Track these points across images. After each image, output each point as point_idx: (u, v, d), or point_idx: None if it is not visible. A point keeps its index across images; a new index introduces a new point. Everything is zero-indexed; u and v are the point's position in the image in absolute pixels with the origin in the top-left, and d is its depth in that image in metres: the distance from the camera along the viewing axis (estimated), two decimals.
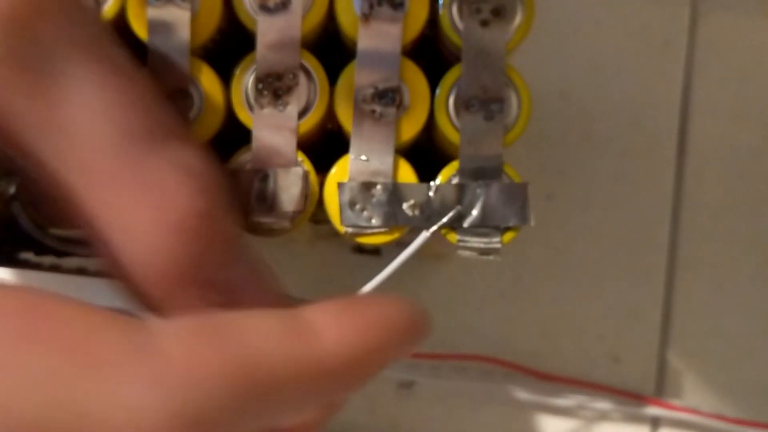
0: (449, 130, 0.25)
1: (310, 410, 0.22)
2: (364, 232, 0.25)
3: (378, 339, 0.21)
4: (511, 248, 0.25)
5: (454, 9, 0.25)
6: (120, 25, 0.26)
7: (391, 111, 0.25)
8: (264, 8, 0.25)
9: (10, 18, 0.19)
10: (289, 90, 0.25)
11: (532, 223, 0.25)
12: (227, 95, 0.26)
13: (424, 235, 0.25)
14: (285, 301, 0.23)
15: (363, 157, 0.25)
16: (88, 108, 0.20)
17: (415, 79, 0.25)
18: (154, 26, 0.25)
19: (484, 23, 0.25)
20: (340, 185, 0.25)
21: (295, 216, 0.25)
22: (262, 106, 0.25)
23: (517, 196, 0.25)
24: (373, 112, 0.25)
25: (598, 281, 0.39)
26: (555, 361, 0.38)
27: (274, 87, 0.25)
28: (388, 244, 0.26)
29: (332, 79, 0.26)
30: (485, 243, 0.25)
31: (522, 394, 0.38)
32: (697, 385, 0.38)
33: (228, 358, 0.18)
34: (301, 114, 0.25)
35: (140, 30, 0.25)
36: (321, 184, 0.26)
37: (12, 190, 0.25)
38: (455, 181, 0.25)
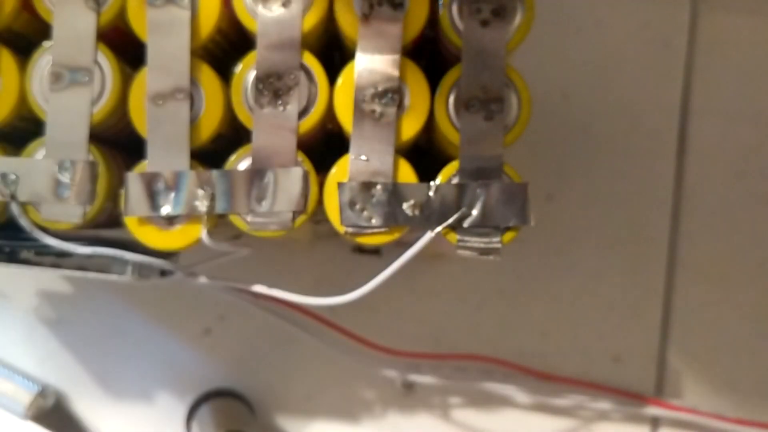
0: (449, 130, 0.25)
1: None
2: (364, 232, 0.25)
3: None
4: (511, 248, 0.25)
5: (454, 9, 0.25)
6: (120, 25, 0.26)
7: (392, 111, 0.25)
8: (264, 8, 0.25)
9: None
10: (289, 90, 0.25)
11: (532, 223, 0.25)
12: (227, 95, 0.26)
13: (429, 235, 0.25)
14: None
15: (363, 157, 0.25)
16: None
17: (415, 79, 0.25)
18: (154, 26, 0.25)
19: (484, 23, 0.25)
20: (340, 185, 0.25)
21: (295, 216, 0.25)
22: (262, 106, 0.25)
23: (517, 196, 0.25)
24: (373, 112, 0.25)
25: (598, 281, 0.39)
26: (555, 361, 0.38)
27: (274, 87, 0.25)
28: (388, 244, 0.26)
29: (332, 79, 0.26)
30: (485, 243, 0.25)
31: (521, 394, 0.38)
32: (697, 385, 0.38)
33: None
34: (301, 114, 0.25)
35: (140, 30, 0.25)
36: (321, 184, 0.26)
37: (12, 189, 0.25)
38: (455, 181, 0.25)
